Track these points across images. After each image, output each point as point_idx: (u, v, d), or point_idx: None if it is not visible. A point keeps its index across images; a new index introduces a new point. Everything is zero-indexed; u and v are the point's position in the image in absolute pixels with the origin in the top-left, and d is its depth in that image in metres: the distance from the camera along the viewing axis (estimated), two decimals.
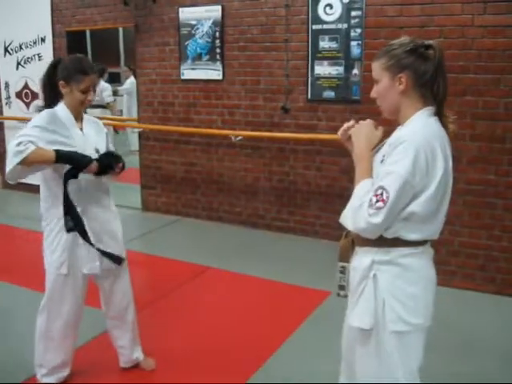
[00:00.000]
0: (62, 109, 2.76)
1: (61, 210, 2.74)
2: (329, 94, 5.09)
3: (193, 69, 5.68)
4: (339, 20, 4.92)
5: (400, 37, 2.00)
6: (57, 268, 2.79)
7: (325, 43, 5.01)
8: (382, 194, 1.84)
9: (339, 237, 5.15)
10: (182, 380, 3.09)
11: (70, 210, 2.73)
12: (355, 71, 4.95)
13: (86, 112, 2.99)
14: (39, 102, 2.97)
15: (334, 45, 4.98)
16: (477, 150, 4.13)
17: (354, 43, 4.91)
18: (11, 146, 2.56)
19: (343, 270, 2.17)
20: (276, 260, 4.89)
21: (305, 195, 5.39)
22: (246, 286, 4.42)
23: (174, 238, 5.55)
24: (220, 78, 5.54)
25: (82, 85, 2.69)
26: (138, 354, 3.19)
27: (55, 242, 2.79)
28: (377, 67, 2.01)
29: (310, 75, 5.13)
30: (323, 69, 5.06)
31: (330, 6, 4.93)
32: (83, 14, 6.25)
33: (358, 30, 4.86)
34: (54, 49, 6.56)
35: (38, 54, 6.66)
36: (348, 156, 5.26)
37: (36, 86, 6.72)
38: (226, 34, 5.43)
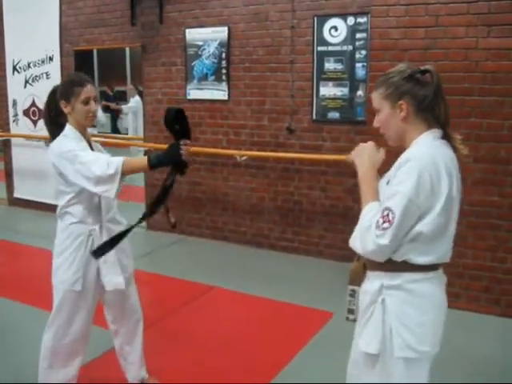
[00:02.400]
0: (69, 130, 2.77)
1: (85, 226, 2.76)
2: (334, 114, 5.12)
3: (199, 89, 5.74)
4: (344, 42, 4.97)
5: (397, 64, 2.05)
6: (70, 285, 2.77)
7: (330, 64, 5.06)
8: (388, 215, 1.86)
9: (343, 257, 5.22)
10: None
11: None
12: (360, 92, 4.99)
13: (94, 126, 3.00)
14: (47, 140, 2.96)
15: (339, 66, 5.03)
16: (480, 172, 4.14)
17: (358, 65, 4.95)
18: (87, 171, 2.55)
19: (353, 294, 2.20)
20: (280, 280, 4.89)
21: (309, 215, 5.40)
22: (250, 306, 4.41)
23: (179, 257, 5.56)
24: (226, 98, 5.59)
25: (82, 96, 2.69)
26: (144, 372, 3.19)
27: (72, 257, 2.76)
28: (376, 97, 2.04)
29: (315, 96, 5.17)
30: (328, 90, 5.10)
31: (335, 28, 4.99)
32: (91, 33, 6.33)
33: (363, 52, 4.91)
34: (62, 67, 6.63)
35: (46, 73, 6.74)
36: (353, 177, 5.29)
37: (43, 104, 6.78)
38: (232, 55, 5.49)
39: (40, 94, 6.78)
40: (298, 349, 3.69)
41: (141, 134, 7.27)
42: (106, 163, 2.55)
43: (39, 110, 6.86)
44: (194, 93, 5.77)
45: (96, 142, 3.05)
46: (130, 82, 11.64)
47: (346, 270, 5.17)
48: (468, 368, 3.46)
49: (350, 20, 4.92)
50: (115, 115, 11.60)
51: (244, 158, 5.47)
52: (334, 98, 5.10)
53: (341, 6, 4.92)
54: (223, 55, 5.54)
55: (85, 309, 2.86)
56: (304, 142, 5.26)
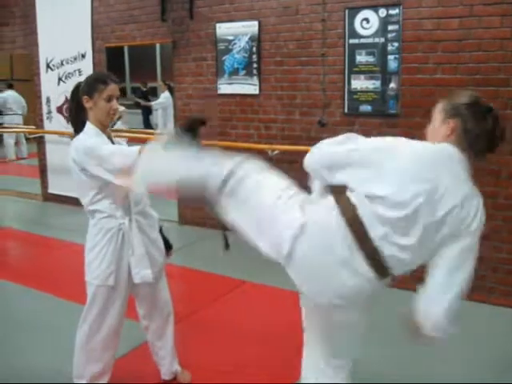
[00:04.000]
0: (89, 127, 2.80)
1: (114, 220, 2.79)
2: (365, 107, 5.07)
3: (229, 83, 5.74)
4: (376, 34, 4.90)
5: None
6: (103, 280, 2.80)
7: (361, 57, 5.01)
8: None
9: None
10: None
11: None
12: (392, 85, 4.92)
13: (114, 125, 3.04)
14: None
15: (370, 59, 4.97)
16: None
17: (391, 57, 4.88)
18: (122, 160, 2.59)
19: None
20: None
21: None
22: (283, 301, 4.37)
23: (211, 251, 5.53)
24: (256, 92, 5.58)
25: (105, 93, 2.73)
26: (177, 367, 3.22)
27: (103, 252, 2.79)
28: (437, 108, 2.15)
29: (346, 89, 5.12)
30: (360, 83, 5.05)
31: (367, 20, 4.93)
32: (122, 30, 6.38)
33: (396, 44, 4.84)
34: (94, 64, 6.71)
35: (79, 70, 6.82)
36: None
37: None
38: (263, 49, 5.47)
39: None
40: None
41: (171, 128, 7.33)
42: (126, 154, 2.59)
43: None
44: (225, 87, 5.77)
45: (120, 137, 3.09)
46: (160, 77, 11.76)
47: None
48: (502, 361, 3.41)
49: (382, 12, 4.86)
50: (148, 111, 11.73)
51: (275, 152, 5.46)
52: (366, 91, 5.04)
53: None
54: (254, 49, 5.53)
55: (118, 303, 2.89)
56: (336, 135, 5.20)
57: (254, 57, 5.54)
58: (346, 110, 5.17)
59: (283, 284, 4.62)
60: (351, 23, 5.00)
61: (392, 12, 4.82)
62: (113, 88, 2.79)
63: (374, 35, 4.93)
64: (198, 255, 5.43)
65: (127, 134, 6.87)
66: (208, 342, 3.70)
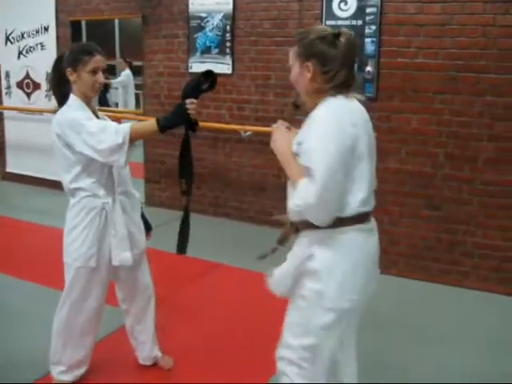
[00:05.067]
0: (73, 100, 2.65)
1: (97, 200, 2.66)
2: None
3: (201, 62, 5.59)
4: (354, 16, 4.85)
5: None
6: (85, 261, 2.67)
7: None
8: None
9: None
10: (202, 380, 3.03)
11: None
12: (369, 68, 4.88)
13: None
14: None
15: None
16: (494, 151, 4.08)
17: (368, 40, 4.84)
18: (92, 139, 2.49)
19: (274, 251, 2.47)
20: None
21: None
22: (259, 284, 4.34)
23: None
24: (229, 72, 5.46)
25: (90, 65, 2.59)
26: (157, 352, 3.13)
27: (85, 232, 2.66)
28: (291, 54, 2.06)
29: None
30: None
31: (345, 1, 4.86)
32: (88, 3, 6.13)
33: (373, 27, 4.80)
34: (58, 38, 6.44)
35: (41, 44, 6.53)
36: None
37: (38, 76, 6.62)
38: (237, 28, 5.35)
39: (34, 66, 6.61)
40: None
41: (131, 108, 7.14)
42: (113, 131, 2.48)
43: (33, 82, 6.68)
44: (197, 66, 5.61)
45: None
46: (119, 55, 11.40)
47: None
48: (475, 346, 3.46)
49: None
50: (104, 89, 11.38)
51: (248, 133, 5.37)
52: None
53: None
54: (228, 28, 5.39)
55: (99, 286, 2.77)
56: None
57: (228, 35, 5.41)
58: None
59: (258, 267, 4.66)
60: (329, 4, 4.93)
61: None
62: (98, 59, 2.64)
63: (351, 17, 4.87)
64: (168, 237, 5.25)
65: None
66: (188, 326, 3.61)
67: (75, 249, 2.69)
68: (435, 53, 4.12)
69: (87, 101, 2.70)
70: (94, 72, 2.64)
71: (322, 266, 2.01)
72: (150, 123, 2.57)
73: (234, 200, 5.70)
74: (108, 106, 10.92)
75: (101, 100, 11.44)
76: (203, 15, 5.49)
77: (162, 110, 5.89)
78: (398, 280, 4.43)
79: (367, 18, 4.82)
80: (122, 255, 2.76)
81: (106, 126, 2.57)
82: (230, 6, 5.32)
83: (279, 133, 2.14)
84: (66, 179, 2.70)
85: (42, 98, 6.63)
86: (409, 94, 4.24)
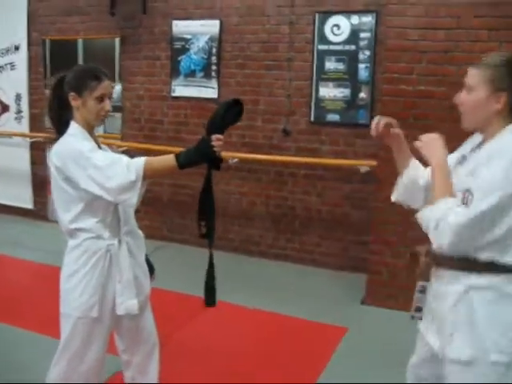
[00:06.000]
0: (75, 128, 2.37)
1: (102, 241, 2.37)
2: (333, 116, 4.88)
3: (185, 85, 5.37)
4: (347, 41, 4.74)
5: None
6: (86, 311, 2.36)
7: (331, 64, 4.82)
8: (468, 197, 1.78)
9: (340, 266, 5.16)
10: None
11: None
12: (362, 94, 4.77)
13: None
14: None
15: (340, 66, 4.79)
16: None
17: (362, 66, 4.74)
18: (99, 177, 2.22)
19: (423, 290, 2.08)
20: (279, 291, 4.61)
21: (304, 222, 5.15)
22: (256, 322, 4.12)
23: (164, 265, 5.05)
24: (215, 96, 5.25)
25: (97, 91, 2.31)
26: None
27: (86, 279, 2.36)
28: (476, 76, 1.90)
29: (313, 97, 4.91)
30: (328, 91, 4.86)
31: (338, 26, 4.75)
32: (64, 22, 5.82)
33: (367, 53, 4.70)
34: (30, 58, 6.09)
35: (11, 63, 6.15)
36: (351, 183, 5.07)
37: (7, 98, 6.24)
38: (224, 51, 5.16)
39: (3, 86, 6.22)
40: (321, 368, 3.43)
41: (100, 131, 6.81)
42: (125, 166, 2.20)
43: (2, 103, 6.28)
44: (180, 90, 5.39)
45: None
46: None
47: (343, 280, 5.05)
48: None
49: (355, 19, 4.70)
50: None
51: (235, 160, 5.15)
52: (334, 100, 4.86)
53: (344, 3, 4.69)
54: (214, 50, 5.20)
55: (100, 337, 2.45)
56: (300, 144, 5.00)
57: (214, 58, 5.21)
58: (312, 119, 4.96)
59: (251, 302, 4.44)
60: (321, 28, 4.81)
61: (365, 19, 4.67)
62: (106, 85, 2.36)
63: (344, 42, 4.76)
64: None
65: None
66: (186, 369, 3.34)
67: (75, 297, 2.37)
68: (438, 80, 4.01)
69: (90, 130, 2.42)
70: (101, 99, 2.37)
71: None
72: (168, 158, 2.30)
73: (219, 229, 5.39)
74: None
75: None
76: (188, 37, 5.27)
77: (141, 135, 5.63)
78: (397, 314, 4.25)
79: (361, 43, 4.72)
80: (128, 303, 2.47)
81: (116, 159, 2.28)
82: (217, 29, 5.13)
83: (437, 141, 1.99)
84: (65, 218, 2.39)
85: (12, 121, 6.24)
86: (411, 121, 4.10)
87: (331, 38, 4.78)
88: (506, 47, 3.85)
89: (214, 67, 5.22)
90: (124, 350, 2.70)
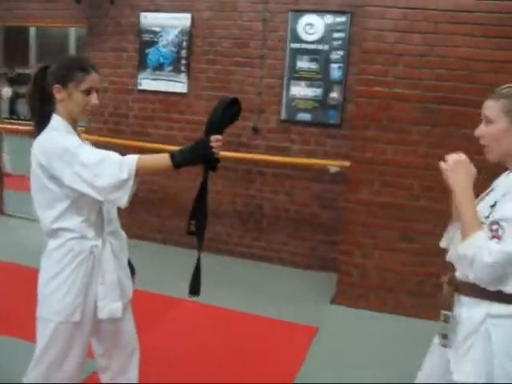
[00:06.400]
0: (58, 121, 2.22)
1: (86, 242, 2.24)
2: (304, 116, 4.87)
3: (153, 79, 5.23)
4: (320, 40, 4.73)
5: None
6: (68, 315, 2.23)
7: (303, 63, 4.80)
8: (497, 231, 1.79)
9: (307, 265, 5.15)
10: None
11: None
12: (334, 94, 4.78)
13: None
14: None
15: (313, 65, 4.78)
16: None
17: (334, 66, 4.74)
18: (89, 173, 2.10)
19: (447, 319, 2.02)
20: (248, 290, 4.58)
21: (272, 220, 5.12)
22: (227, 321, 4.05)
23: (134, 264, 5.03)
24: (184, 91, 5.14)
25: (84, 84, 2.18)
26: None
27: (69, 281, 2.22)
28: (495, 108, 1.89)
29: (284, 95, 4.88)
30: (300, 89, 4.84)
31: (311, 25, 4.73)
32: (23, 8, 5.57)
33: (340, 53, 4.71)
34: None
35: None
36: (321, 182, 5.08)
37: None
38: (194, 45, 5.06)
39: None
40: (296, 369, 3.41)
41: None
42: (116, 165, 2.08)
43: None
44: (147, 83, 5.25)
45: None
46: (35, 63, 10.67)
47: (312, 279, 5.04)
48: None
49: (328, 18, 4.69)
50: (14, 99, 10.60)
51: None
52: (306, 99, 4.85)
53: (319, 2, 4.68)
54: (184, 44, 5.08)
55: (81, 342, 2.31)
56: (270, 143, 4.97)
57: (184, 52, 5.10)
58: (282, 117, 4.93)
59: (221, 302, 4.36)
60: (294, 27, 4.78)
61: (339, 20, 4.67)
62: (94, 78, 2.22)
63: (317, 41, 4.75)
64: None
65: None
66: (160, 373, 3.24)
67: (57, 301, 2.23)
68: (414, 83, 4.05)
69: (73, 124, 2.29)
70: (88, 92, 2.25)
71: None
72: (163, 158, 2.20)
73: (186, 227, 5.34)
74: (18, 117, 10.19)
75: (10, 110, 10.68)
76: (157, 30, 5.13)
77: (105, 129, 5.46)
78: (368, 313, 4.30)
79: (334, 43, 4.72)
80: (112, 306, 2.34)
81: (106, 156, 2.14)
82: (188, 22, 5.02)
83: (463, 166, 1.97)
84: (47, 217, 2.25)
85: None
86: (385, 123, 4.13)
87: (304, 36, 4.76)
88: (480, 54, 3.93)
89: (183, 61, 5.11)
90: (102, 355, 2.56)
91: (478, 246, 1.79)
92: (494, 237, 1.78)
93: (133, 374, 2.62)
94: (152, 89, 5.24)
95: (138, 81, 5.27)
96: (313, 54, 4.76)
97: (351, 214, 4.33)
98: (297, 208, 5.03)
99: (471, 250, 1.81)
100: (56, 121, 2.23)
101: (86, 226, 2.25)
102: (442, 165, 2.00)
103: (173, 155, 2.17)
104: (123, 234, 2.51)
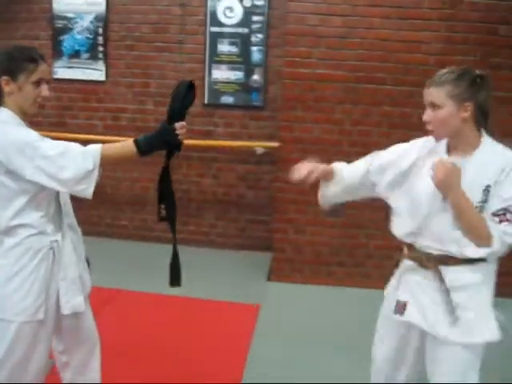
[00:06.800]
0: (7, 114, 2.13)
1: (45, 237, 2.17)
2: (227, 99, 4.93)
3: (69, 67, 5.06)
4: (240, 24, 4.80)
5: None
6: (31, 315, 2.16)
7: (224, 47, 4.86)
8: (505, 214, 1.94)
9: (237, 245, 5.37)
10: None
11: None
12: (256, 77, 4.88)
13: None
14: None
15: (233, 49, 4.85)
16: None
17: (254, 48, 4.84)
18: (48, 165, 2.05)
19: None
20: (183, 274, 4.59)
21: (199, 204, 5.17)
22: (168, 307, 4.04)
23: None
24: (103, 78, 5.03)
25: (35, 75, 2.11)
26: None
27: (30, 279, 2.15)
28: (440, 94, 2.02)
29: (206, 79, 4.92)
30: (221, 73, 4.90)
31: (231, 8, 4.79)
32: None
33: (260, 36, 4.80)
34: None
35: None
36: (246, 163, 5.19)
37: None
38: (111, 31, 4.95)
39: None
40: (246, 349, 3.49)
41: None
42: (79, 155, 2.07)
43: None
44: (63, 72, 5.07)
45: None
46: None
47: (244, 259, 5.16)
48: None
49: (247, 2, 4.77)
50: None
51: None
52: (228, 82, 4.91)
53: None
54: (100, 31, 4.96)
55: (45, 340, 2.26)
56: (194, 127, 4.98)
57: (100, 39, 4.98)
58: (205, 101, 4.97)
59: (158, 288, 4.30)
60: (213, 11, 4.81)
61: (258, 3, 4.76)
62: (44, 69, 2.15)
63: (237, 25, 4.82)
64: None
65: None
66: (113, 365, 3.19)
67: (18, 301, 2.15)
68: (336, 64, 4.24)
69: (24, 117, 2.22)
70: (38, 83, 2.19)
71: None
72: (127, 145, 2.20)
73: (110, 217, 5.28)
74: None
75: None
76: (70, 15, 4.96)
77: None
78: (304, 287, 4.49)
79: (254, 27, 4.80)
80: (74, 301, 2.29)
81: (68, 147, 2.10)
82: (103, 7, 4.90)
83: (452, 171, 1.97)
84: (4, 215, 2.17)
85: None
86: (311, 103, 4.29)
87: (224, 20, 4.81)
88: (396, 35, 4.18)
89: (100, 48, 4.99)
90: (62, 351, 2.49)
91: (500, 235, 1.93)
92: (501, 221, 1.92)
93: (95, 369, 2.58)
94: (68, 77, 5.07)
95: (54, 69, 5.07)
96: (233, 38, 4.83)
97: (283, 193, 4.48)
98: (224, 190, 5.11)
99: (497, 247, 1.94)
100: (5, 114, 2.13)
101: (46, 221, 2.19)
102: (432, 178, 2.01)
103: (138, 142, 2.17)
104: (77, 226, 2.47)
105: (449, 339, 2.04)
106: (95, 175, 2.09)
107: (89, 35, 4.97)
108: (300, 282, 4.50)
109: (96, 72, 5.02)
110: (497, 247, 1.93)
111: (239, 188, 5.10)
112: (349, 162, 4.27)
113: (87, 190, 2.10)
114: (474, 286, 2.03)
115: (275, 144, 4.61)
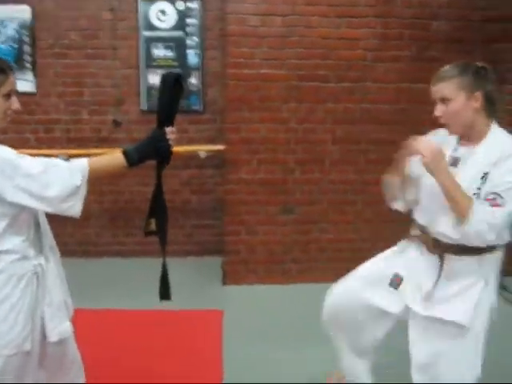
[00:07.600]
0: None
1: (27, 262, 2.04)
2: None
3: None
4: (174, 27, 4.73)
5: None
6: (18, 346, 2.03)
7: (159, 51, 4.76)
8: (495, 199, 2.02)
9: (186, 252, 5.49)
10: None
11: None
12: (193, 80, 4.82)
13: None
14: None
15: (169, 53, 4.77)
16: (338, 152, 4.41)
17: (191, 52, 4.78)
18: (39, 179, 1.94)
19: None
20: (136, 287, 4.42)
21: (143, 214, 5.00)
22: (131, 322, 3.91)
23: None
24: (33, 90, 4.76)
25: (5, 87, 2.01)
26: None
27: (16, 310, 2.01)
28: (450, 87, 2.11)
29: (142, 85, 4.81)
30: (158, 78, 4.76)
31: (163, 12, 4.70)
32: None
33: (195, 39, 4.75)
34: None
35: None
36: (188, 168, 5.13)
37: None
38: (38, 39, 4.70)
39: None
40: (219, 355, 3.45)
41: None
42: (66, 170, 1.98)
43: None
44: None
45: None
46: None
47: (195, 265, 5.09)
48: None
49: (180, 4, 4.70)
50: None
51: (60, 157, 4.76)
52: None
53: None
54: (26, 39, 4.69)
55: (32, 370, 2.14)
56: (133, 134, 4.85)
57: (27, 48, 4.72)
58: (142, 107, 4.85)
59: (115, 304, 4.20)
60: (145, 15, 4.71)
61: (191, 5, 4.71)
62: (13, 80, 2.04)
63: (171, 28, 4.74)
64: None
65: None
66: None
67: (4, 333, 2.02)
68: (279, 64, 4.27)
69: None
70: (9, 96, 2.07)
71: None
72: (116, 157, 2.12)
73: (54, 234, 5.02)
74: None
75: None
76: None
77: None
78: (261, 287, 4.49)
79: (188, 29, 4.75)
80: (62, 327, 2.18)
81: (50, 163, 1.99)
82: (28, 14, 4.64)
83: (440, 154, 2.05)
84: None
85: None
86: (256, 104, 4.30)
87: (157, 23, 4.72)
88: (335, 34, 4.27)
89: (28, 58, 4.72)
90: (46, 379, 2.37)
91: (482, 219, 1.99)
92: (492, 206, 1.99)
93: None
94: None
95: None
96: (168, 42, 4.74)
97: (234, 195, 4.46)
98: (168, 197, 4.95)
99: (478, 225, 2.00)
100: None
101: (27, 245, 2.06)
102: (423, 162, 2.07)
103: (126, 153, 2.11)
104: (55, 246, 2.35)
105: (421, 313, 2.21)
106: (83, 191, 2.00)
107: (14, 44, 4.70)
108: (255, 283, 4.51)
109: (25, 83, 4.72)
110: (480, 227, 2.00)
111: (183, 194, 5.03)
112: (296, 158, 4.38)
113: (74, 208, 2.00)
114: (473, 276, 2.15)
115: (220, 147, 4.58)
